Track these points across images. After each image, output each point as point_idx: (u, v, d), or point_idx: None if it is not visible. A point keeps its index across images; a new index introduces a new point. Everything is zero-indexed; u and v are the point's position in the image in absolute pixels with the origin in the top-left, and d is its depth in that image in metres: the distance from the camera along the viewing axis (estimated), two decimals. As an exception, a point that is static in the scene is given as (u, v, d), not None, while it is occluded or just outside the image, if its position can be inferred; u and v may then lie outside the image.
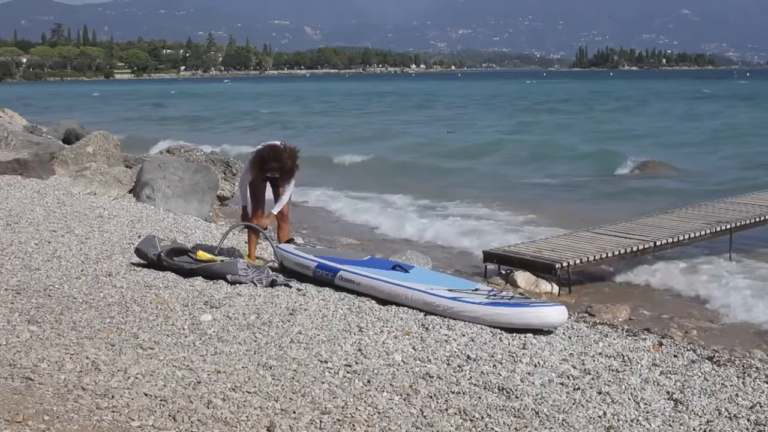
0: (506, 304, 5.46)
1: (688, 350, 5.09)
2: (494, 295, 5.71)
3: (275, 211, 7.17)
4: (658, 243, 9.10)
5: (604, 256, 8.64)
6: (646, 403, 4.05)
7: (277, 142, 7.13)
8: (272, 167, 6.94)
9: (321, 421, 3.64)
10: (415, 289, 5.78)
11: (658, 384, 4.35)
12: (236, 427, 3.54)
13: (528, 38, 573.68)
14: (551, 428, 3.71)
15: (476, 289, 5.91)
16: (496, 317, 5.34)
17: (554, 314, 5.35)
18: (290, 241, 7.27)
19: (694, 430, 3.79)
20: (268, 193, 7.37)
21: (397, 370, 4.38)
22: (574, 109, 44.94)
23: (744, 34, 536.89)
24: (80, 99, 70.35)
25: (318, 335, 4.92)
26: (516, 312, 5.32)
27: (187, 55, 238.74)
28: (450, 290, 5.75)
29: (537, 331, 5.26)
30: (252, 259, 7.19)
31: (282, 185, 7.16)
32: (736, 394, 4.23)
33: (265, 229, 7.26)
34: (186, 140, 22.43)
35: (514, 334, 5.17)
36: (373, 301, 5.86)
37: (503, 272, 8.73)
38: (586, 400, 4.06)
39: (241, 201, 7.43)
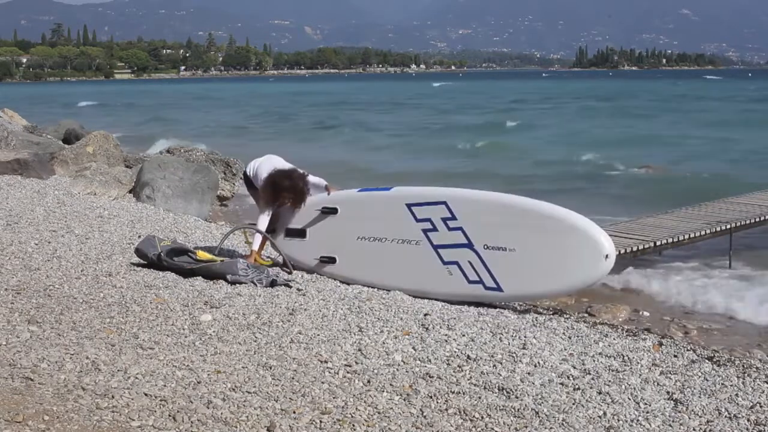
0: None
1: (688, 350, 5.08)
2: None
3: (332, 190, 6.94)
4: (658, 243, 9.10)
5: (604, 256, 8.62)
6: (646, 403, 4.05)
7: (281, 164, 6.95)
8: (284, 186, 6.70)
9: (321, 421, 3.64)
10: None
11: (658, 384, 4.35)
12: (236, 427, 3.53)
13: (528, 38, 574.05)
14: (551, 428, 3.71)
15: None
16: None
17: None
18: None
19: (694, 430, 3.78)
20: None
21: (397, 370, 4.38)
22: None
23: (744, 34, 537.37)
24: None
25: (318, 335, 4.92)
26: None
27: (187, 55, 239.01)
28: None
29: (537, 331, 5.26)
30: (259, 255, 7.14)
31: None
32: (736, 394, 4.23)
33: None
34: None
35: (514, 334, 5.18)
36: (373, 301, 5.86)
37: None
38: (586, 400, 4.06)
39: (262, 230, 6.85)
